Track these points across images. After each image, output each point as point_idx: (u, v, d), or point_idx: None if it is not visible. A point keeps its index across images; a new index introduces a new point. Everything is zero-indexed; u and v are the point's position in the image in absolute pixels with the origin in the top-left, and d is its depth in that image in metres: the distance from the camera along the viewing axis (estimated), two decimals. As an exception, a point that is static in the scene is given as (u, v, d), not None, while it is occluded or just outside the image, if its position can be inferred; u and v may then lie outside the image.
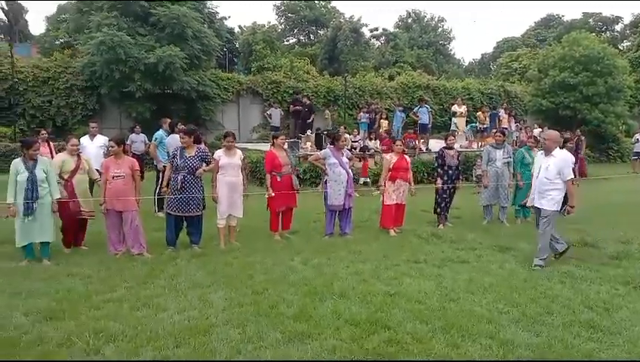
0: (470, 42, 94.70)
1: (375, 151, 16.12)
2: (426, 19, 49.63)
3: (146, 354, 3.89)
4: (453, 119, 18.11)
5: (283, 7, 43.22)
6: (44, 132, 10.22)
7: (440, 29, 50.03)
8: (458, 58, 56.09)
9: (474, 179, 15.00)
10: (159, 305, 4.90)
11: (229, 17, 61.74)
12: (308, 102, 17.90)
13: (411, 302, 5.03)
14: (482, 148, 12.16)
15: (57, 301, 4.98)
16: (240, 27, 37.93)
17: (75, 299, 5.05)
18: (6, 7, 42.46)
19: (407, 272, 6.08)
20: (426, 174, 14.90)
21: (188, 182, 6.92)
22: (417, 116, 17.41)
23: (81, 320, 4.49)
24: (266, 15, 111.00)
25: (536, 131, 18.92)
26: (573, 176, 6.38)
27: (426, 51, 44.92)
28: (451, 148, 9.20)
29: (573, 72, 21.70)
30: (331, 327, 4.36)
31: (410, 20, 49.62)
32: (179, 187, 6.89)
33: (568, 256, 6.61)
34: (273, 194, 7.71)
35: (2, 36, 29.31)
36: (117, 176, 6.74)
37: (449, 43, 51.16)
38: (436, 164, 9.28)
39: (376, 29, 44.63)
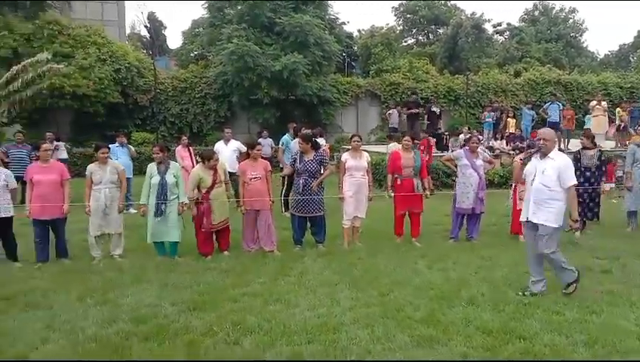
0: (605, 33, 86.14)
1: (501, 151, 15.39)
2: (554, 10, 46.24)
3: (280, 347, 4.09)
4: (587, 116, 16.70)
5: (402, 9, 42.90)
6: (184, 137, 11.15)
7: (571, 21, 46.31)
8: (592, 50, 51.46)
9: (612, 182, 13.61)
10: (290, 301, 5.14)
11: (348, 22, 62.69)
12: (439, 111, 17.30)
13: (548, 312, 4.76)
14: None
15: (199, 293, 5.42)
16: (359, 31, 38.34)
17: (215, 291, 5.46)
18: (149, 25, 47.07)
19: (542, 280, 5.73)
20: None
21: (309, 185, 7.20)
22: (547, 114, 16.32)
23: (220, 312, 4.85)
24: (384, 17, 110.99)
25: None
26: (575, 182, 5.21)
27: (555, 45, 41.82)
28: (589, 148, 8.51)
29: None
30: (461, 334, 4.27)
31: (537, 13, 46.56)
32: (300, 190, 7.21)
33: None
34: (392, 195, 7.65)
35: (145, 51, 32.54)
36: (254, 178, 7.13)
37: (581, 35, 47.12)
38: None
39: (500, 24, 42.54)
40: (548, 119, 16.40)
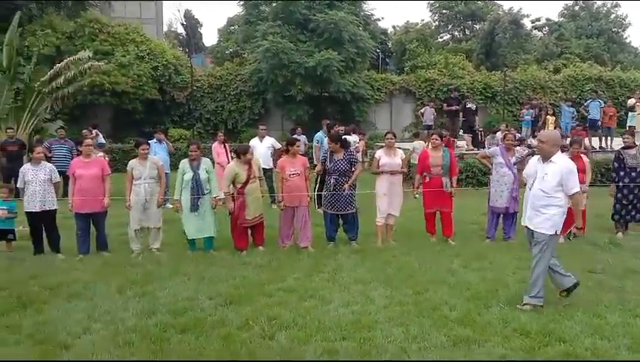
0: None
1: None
2: (595, 5, 44.76)
3: (315, 343, 4.11)
4: (629, 114, 16.11)
5: (437, 4, 42.32)
6: (221, 134, 11.28)
7: (613, 16, 44.74)
8: (635, 46, 49.56)
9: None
10: (324, 297, 5.16)
11: (383, 18, 62.28)
12: (474, 107, 17.03)
13: (588, 315, 4.64)
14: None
15: (235, 287, 5.50)
16: (393, 27, 38.03)
17: (251, 286, 5.53)
18: (185, 23, 47.82)
19: (582, 282, 5.55)
20: (599, 175, 13.49)
21: (340, 184, 7.24)
22: (587, 111, 15.84)
23: (256, 306, 4.90)
24: (419, 13, 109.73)
25: None
26: (579, 189, 4.85)
27: (596, 40, 40.48)
28: (631, 147, 8.23)
29: None
30: (499, 335, 4.21)
31: (577, 8, 45.19)
32: (332, 189, 7.25)
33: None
34: (417, 196, 7.62)
35: (181, 48, 33.09)
36: (293, 174, 7.20)
37: (623, 30, 45.42)
38: (613, 167, 8.36)
39: (538, 20, 41.51)
40: (588, 117, 15.94)
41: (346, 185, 7.19)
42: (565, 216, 4.95)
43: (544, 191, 4.81)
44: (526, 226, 5.05)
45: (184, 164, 7.09)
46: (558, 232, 4.87)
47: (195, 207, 6.92)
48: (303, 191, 7.21)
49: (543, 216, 4.82)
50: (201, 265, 6.34)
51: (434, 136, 7.86)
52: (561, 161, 4.85)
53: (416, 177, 7.78)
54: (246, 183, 6.99)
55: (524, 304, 4.83)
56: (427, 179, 7.62)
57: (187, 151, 7.36)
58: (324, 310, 4.82)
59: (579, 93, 23.27)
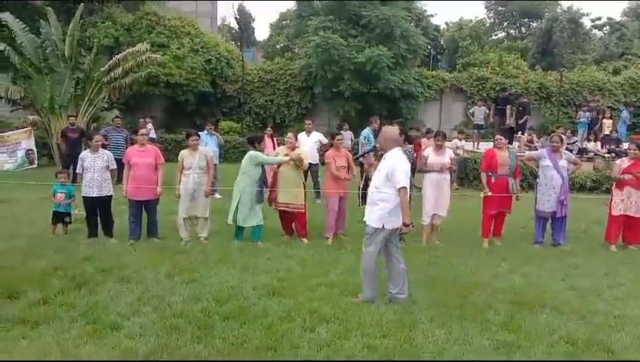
0: None
1: (595, 154, 14.45)
2: (663, 4, 42.53)
3: (355, 339, 4.13)
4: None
5: (493, 1, 41.30)
6: (269, 128, 11.44)
7: (681, 15, 42.38)
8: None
9: None
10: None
11: (436, 14, 61.30)
12: (524, 100, 16.67)
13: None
14: None
15: (279, 279, 5.58)
16: (446, 24, 37.40)
17: (293, 279, 5.60)
18: (238, 17, 48.58)
19: (635, 293, 5.38)
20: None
21: None
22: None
23: (298, 299, 4.96)
24: (473, 10, 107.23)
25: None
26: (404, 185, 4.77)
27: (661, 41, 38.56)
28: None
29: None
30: (544, 342, 4.11)
31: (641, 7, 43.07)
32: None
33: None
34: (490, 193, 7.36)
35: (234, 42, 33.68)
36: (341, 167, 7.44)
37: (691, 30, 43.01)
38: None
39: (599, 19, 39.86)
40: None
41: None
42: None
43: (376, 186, 4.98)
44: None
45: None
46: (386, 227, 4.88)
47: (261, 198, 7.19)
48: (346, 183, 7.51)
49: (374, 209, 4.93)
50: (246, 256, 6.46)
51: (497, 136, 7.74)
52: (392, 157, 4.94)
53: (483, 175, 7.57)
54: (279, 165, 7.39)
55: (357, 297, 5.02)
56: (493, 180, 7.42)
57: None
58: (365, 306, 4.82)
59: (640, 97, 22.22)
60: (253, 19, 51.61)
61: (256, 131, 19.40)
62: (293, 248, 6.90)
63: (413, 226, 4.97)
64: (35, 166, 14.35)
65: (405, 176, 4.86)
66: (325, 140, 11.00)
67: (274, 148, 10.72)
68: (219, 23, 40.04)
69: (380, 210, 4.89)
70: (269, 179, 7.60)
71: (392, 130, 5.30)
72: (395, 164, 4.87)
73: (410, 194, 7.80)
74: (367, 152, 8.91)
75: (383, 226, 4.89)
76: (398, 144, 5.16)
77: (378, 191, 4.95)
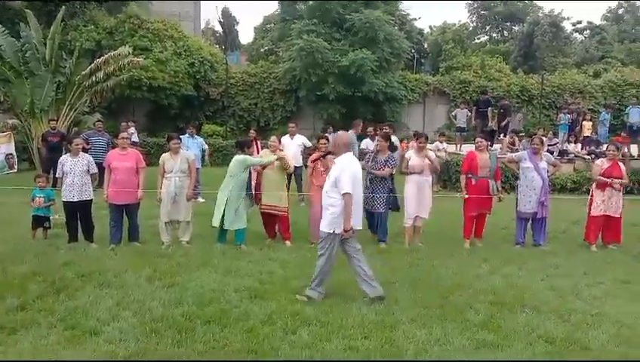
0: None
1: (575, 156, 14.66)
2: (641, 8, 43.38)
3: (336, 341, 4.14)
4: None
5: (476, 5, 41.76)
6: (252, 132, 11.41)
7: (660, 19, 43.27)
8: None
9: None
10: (348, 294, 5.17)
11: (419, 18, 61.75)
12: (506, 102, 16.84)
13: (617, 325, 4.53)
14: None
15: (261, 282, 5.57)
16: (430, 27, 37.72)
17: (276, 281, 5.59)
18: (222, 20, 48.44)
19: (613, 292, 5.46)
20: (637, 184, 13.10)
21: (375, 183, 7.35)
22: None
23: (280, 302, 4.95)
24: (457, 14, 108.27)
25: None
26: (348, 191, 4.86)
27: None
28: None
29: None
30: (523, 341, 4.15)
31: (621, 11, 43.88)
32: (368, 185, 7.28)
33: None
34: (466, 196, 7.48)
35: (218, 45, 33.56)
36: (324, 171, 7.31)
37: (670, 34, 43.90)
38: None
39: (579, 23, 40.52)
40: (628, 123, 15.45)
41: (377, 172, 7.30)
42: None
43: (326, 191, 5.09)
44: None
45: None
46: (337, 231, 4.94)
47: (251, 203, 7.27)
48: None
49: (326, 213, 5.03)
50: (228, 259, 6.43)
51: (478, 139, 7.85)
52: (340, 162, 5.05)
53: (462, 177, 7.71)
54: (265, 167, 7.37)
55: (303, 294, 5.05)
56: (473, 182, 7.51)
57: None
58: (347, 308, 4.83)
59: (619, 99, 22.59)
60: (238, 23, 51.45)
61: (240, 134, 19.35)
62: (275, 251, 6.89)
63: (353, 232, 5.03)
64: (16, 170, 14.10)
65: (351, 181, 4.92)
66: (309, 143, 11.02)
67: (258, 152, 10.73)
68: (202, 26, 39.90)
69: (330, 214, 4.99)
70: (253, 182, 7.58)
71: (344, 136, 5.42)
72: (342, 169, 4.96)
73: (395, 197, 7.94)
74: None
75: (333, 231, 4.96)
76: (349, 149, 5.21)
77: (328, 196, 5.05)
